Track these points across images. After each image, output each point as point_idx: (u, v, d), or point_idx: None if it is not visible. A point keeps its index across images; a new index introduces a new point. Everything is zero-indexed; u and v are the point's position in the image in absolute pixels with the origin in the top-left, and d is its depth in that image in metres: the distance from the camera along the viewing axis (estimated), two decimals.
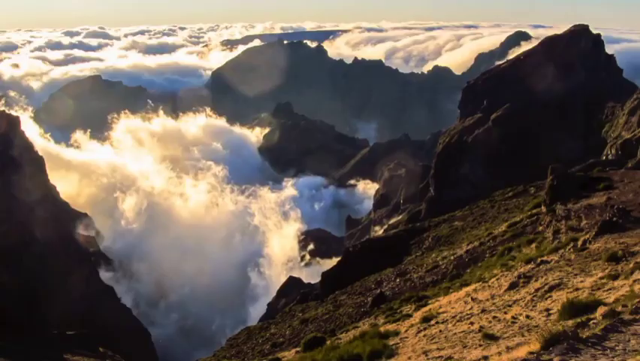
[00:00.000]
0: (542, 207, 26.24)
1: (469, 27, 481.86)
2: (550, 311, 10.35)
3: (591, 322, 8.60)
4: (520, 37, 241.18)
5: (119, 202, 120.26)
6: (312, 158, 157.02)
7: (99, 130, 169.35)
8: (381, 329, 14.63)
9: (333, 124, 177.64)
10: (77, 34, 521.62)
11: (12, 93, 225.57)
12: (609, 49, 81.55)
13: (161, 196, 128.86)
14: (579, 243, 15.85)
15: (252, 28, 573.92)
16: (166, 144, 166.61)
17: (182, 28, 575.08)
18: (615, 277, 11.18)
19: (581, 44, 73.40)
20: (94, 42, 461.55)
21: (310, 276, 76.31)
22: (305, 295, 47.85)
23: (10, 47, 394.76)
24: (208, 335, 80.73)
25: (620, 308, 8.90)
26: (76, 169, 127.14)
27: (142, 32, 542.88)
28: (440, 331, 11.56)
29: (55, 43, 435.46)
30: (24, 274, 66.16)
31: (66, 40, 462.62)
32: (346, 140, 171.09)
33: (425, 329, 12.27)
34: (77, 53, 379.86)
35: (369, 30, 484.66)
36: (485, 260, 24.30)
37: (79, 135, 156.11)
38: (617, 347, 7.61)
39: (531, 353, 7.88)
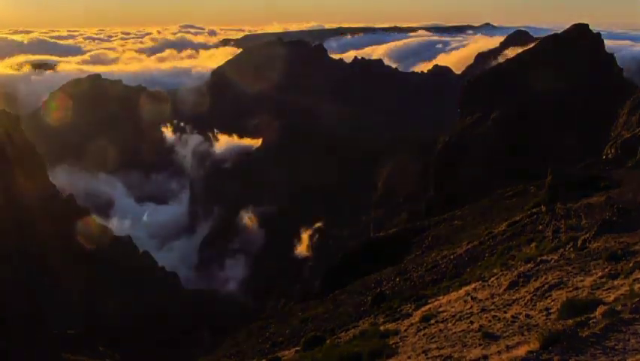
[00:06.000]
0: (542, 206, 26.24)
1: (469, 27, 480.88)
2: (550, 310, 10.34)
3: (591, 321, 8.61)
4: (520, 37, 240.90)
5: None
6: (311, 158, 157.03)
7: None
8: (381, 328, 14.64)
9: (333, 123, 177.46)
10: (77, 34, 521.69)
11: (12, 92, 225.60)
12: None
13: None
14: (579, 242, 15.84)
15: (251, 28, 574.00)
16: None
17: (182, 27, 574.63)
18: (615, 277, 11.18)
19: (580, 43, 73.41)
20: (95, 41, 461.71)
21: None
22: (305, 294, 47.88)
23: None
24: None
25: (619, 307, 8.91)
26: None
27: (143, 32, 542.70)
28: (440, 330, 11.56)
29: (55, 43, 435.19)
30: (24, 274, 66.21)
31: (68, 40, 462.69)
32: (346, 139, 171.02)
33: (425, 328, 12.27)
34: (78, 52, 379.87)
35: (369, 29, 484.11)
36: (485, 259, 24.28)
37: None
38: (616, 347, 7.62)
39: (531, 352, 7.89)
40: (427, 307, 15.59)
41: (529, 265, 14.96)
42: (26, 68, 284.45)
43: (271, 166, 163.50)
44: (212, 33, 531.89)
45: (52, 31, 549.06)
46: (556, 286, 11.78)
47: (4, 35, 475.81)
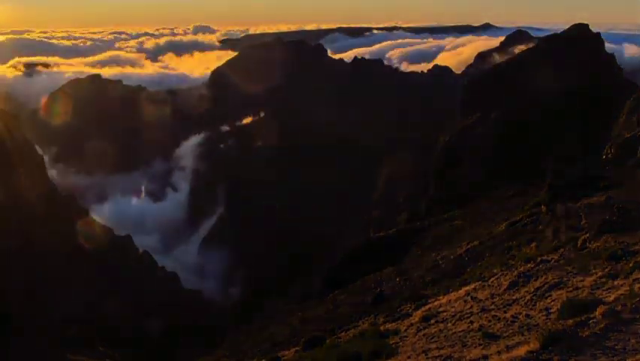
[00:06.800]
0: (542, 206, 26.26)
1: (469, 27, 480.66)
2: (550, 310, 10.35)
3: (591, 321, 8.61)
4: (520, 36, 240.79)
5: None
6: (311, 158, 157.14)
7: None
8: (381, 328, 14.63)
9: (333, 123, 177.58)
10: (77, 34, 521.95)
11: (12, 92, 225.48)
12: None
13: None
14: (579, 242, 15.85)
15: (251, 28, 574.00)
16: None
17: (181, 28, 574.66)
18: (615, 277, 11.18)
19: (580, 43, 73.41)
20: (95, 41, 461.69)
21: None
22: (305, 294, 47.91)
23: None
24: None
25: (619, 307, 8.91)
26: None
27: (142, 32, 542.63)
28: (440, 330, 11.56)
29: (55, 44, 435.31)
30: (24, 274, 66.22)
31: (67, 40, 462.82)
32: (346, 139, 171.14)
33: (425, 328, 12.26)
34: (77, 52, 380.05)
35: (369, 30, 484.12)
36: (485, 259, 24.29)
37: None
38: (616, 346, 7.63)
39: (531, 352, 7.91)
40: (427, 307, 15.57)
41: (529, 265, 14.95)
42: (26, 68, 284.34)
43: (271, 166, 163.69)
44: (211, 33, 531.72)
45: (52, 31, 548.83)
46: (556, 286, 11.79)
47: (4, 35, 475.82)
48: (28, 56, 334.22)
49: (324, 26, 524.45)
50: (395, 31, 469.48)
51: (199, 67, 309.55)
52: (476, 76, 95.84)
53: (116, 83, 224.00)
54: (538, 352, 7.83)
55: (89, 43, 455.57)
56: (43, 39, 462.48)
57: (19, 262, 66.95)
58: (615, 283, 10.79)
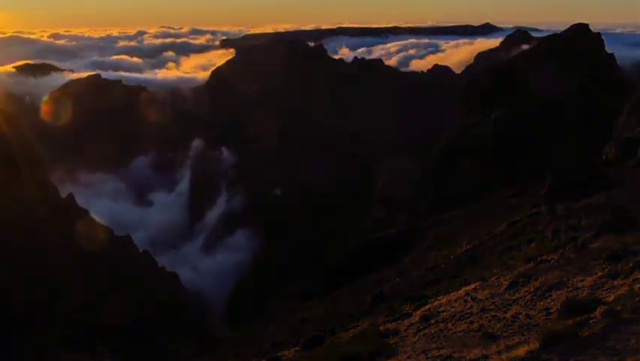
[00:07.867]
0: (542, 206, 26.26)
1: (469, 27, 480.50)
2: (550, 310, 10.36)
3: (591, 321, 8.61)
4: (520, 36, 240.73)
5: None
6: (311, 158, 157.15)
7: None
8: (381, 327, 14.63)
9: (333, 123, 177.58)
10: (77, 34, 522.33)
11: (12, 92, 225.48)
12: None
13: None
14: (579, 242, 15.84)
15: (251, 28, 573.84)
16: None
17: (181, 27, 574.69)
18: (615, 277, 11.18)
19: (580, 43, 73.45)
20: (95, 41, 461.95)
21: None
22: (305, 294, 47.93)
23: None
24: None
25: (619, 307, 8.92)
26: None
27: (142, 32, 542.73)
28: (440, 330, 11.56)
29: (55, 43, 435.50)
30: (24, 274, 66.21)
31: (67, 40, 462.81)
32: (346, 139, 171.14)
33: (425, 328, 12.27)
34: (77, 52, 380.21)
35: (369, 30, 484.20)
36: (485, 259, 24.29)
37: None
38: (616, 346, 7.63)
39: (530, 351, 7.91)
40: (427, 307, 15.55)
41: (529, 265, 14.95)
42: (26, 69, 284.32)
43: (271, 166, 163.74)
44: (211, 33, 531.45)
45: (53, 31, 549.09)
46: (556, 286, 11.79)
47: (5, 36, 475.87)
48: (28, 56, 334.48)
49: (324, 26, 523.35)
50: (395, 31, 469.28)
51: (199, 67, 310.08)
52: (476, 76, 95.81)
53: (116, 83, 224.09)
54: (538, 352, 7.84)
55: (89, 43, 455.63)
56: (44, 39, 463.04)
57: (19, 262, 66.98)
58: (615, 283, 10.79)
